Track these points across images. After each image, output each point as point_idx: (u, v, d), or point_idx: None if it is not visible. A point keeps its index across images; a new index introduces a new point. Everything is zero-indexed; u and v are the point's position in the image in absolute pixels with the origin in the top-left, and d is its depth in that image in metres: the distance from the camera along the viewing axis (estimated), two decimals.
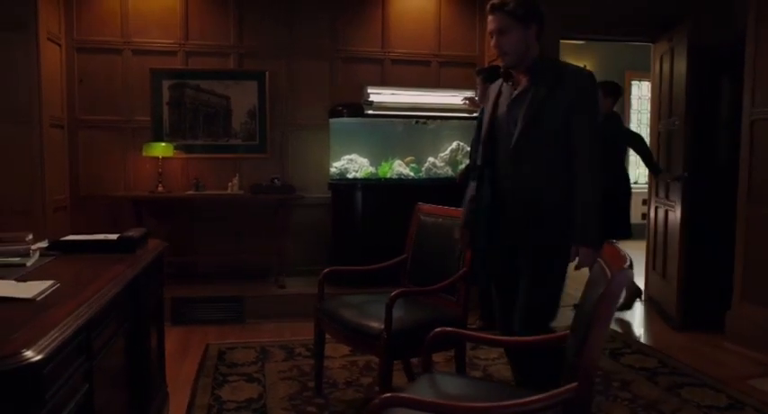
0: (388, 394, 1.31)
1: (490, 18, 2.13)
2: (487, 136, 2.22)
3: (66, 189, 4.44)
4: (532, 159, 2.11)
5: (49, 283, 1.67)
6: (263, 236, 4.69)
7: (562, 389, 1.27)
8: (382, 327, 2.34)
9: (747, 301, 3.63)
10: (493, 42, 2.14)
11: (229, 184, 4.54)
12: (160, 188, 4.41)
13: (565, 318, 2.89)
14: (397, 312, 2.38)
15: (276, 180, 4.52)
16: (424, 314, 2.55)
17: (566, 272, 2.15)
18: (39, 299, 1.54)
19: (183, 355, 3.50)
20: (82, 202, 4.52)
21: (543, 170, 2.10)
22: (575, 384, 1.27)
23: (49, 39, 4.06)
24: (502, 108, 2.19)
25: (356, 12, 4.85)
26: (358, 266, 3.10)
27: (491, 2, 2.12)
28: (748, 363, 3.41)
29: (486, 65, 4.82)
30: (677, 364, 3.32)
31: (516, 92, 2.16)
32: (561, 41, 4.64)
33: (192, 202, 4.57)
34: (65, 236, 2.46)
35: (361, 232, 4.43)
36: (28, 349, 1.15)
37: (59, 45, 4.31)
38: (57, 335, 1.26)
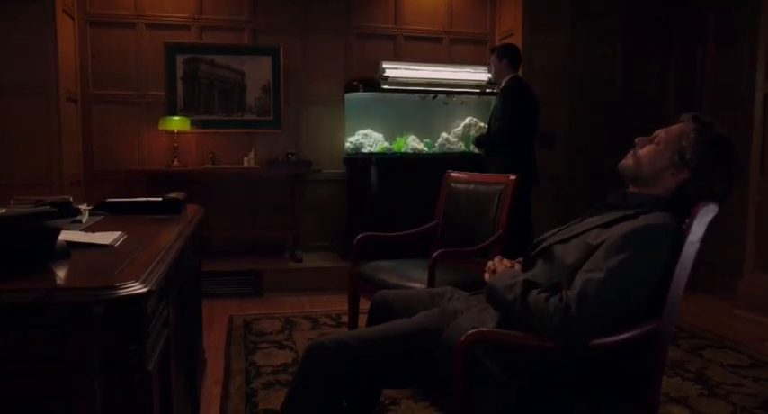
0: (476, 330, 1.35)
1: None
2: None
3: (81, 164, 4.41)
4: None
5: (117, 233, 1.68)
6: (277, 211, 4.70)
7: (646, 326, 1.32)
8: (425, 287, 2.38)
9: (759, 270, 3.74)
10: None
11: (245, 158, 4.54)
12: (176, 163, 4.40)
13: None
14: (436, 274, 2.42)
15: (291, 155, 4.53)
16: (462, 276, 2.59)
17: None
18: (116, 245, 1.56)
19: (208, 325, 3.51)
20: (96, 176, 4.49)
21: None
22: (658, 319, 1.32)
23: (63, 11, 4.01)
24: None
25: None
26: (385, 233, 3.12)
27: None
28: (761, 327, 3.52)
29: (498, 43, 4.86)
30: (695, 330, 3.42)
31: None
32: None
33: (207, 177, 4.56)
34: None
35: (377, 206, 4.45)
36: (135, 281, 1.18)
37: (73, 18, 4.26)
38: (153, 273, 1.29)
